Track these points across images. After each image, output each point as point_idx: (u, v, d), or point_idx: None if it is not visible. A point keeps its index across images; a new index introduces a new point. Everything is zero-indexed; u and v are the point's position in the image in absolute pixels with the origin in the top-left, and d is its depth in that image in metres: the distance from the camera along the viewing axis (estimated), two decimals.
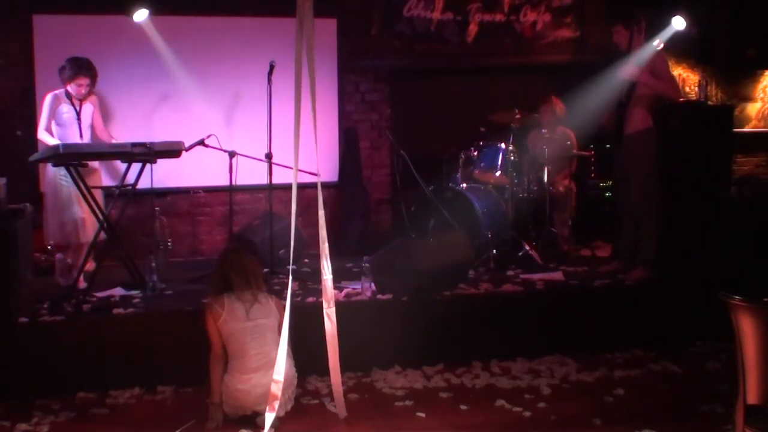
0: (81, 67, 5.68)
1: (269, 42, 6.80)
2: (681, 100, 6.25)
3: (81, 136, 5.74)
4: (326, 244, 4.00)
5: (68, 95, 5.73)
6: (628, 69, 5.60)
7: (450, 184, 6.71)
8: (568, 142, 6.95)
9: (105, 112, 6.11)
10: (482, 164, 6.73)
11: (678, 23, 6.66)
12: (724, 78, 8.23)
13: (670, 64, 6.55)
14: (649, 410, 4.21)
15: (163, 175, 6.32)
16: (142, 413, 4.28)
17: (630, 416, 4.10)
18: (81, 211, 5.59)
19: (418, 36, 7.61)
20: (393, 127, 7.48)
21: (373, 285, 5.15)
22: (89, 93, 5.81)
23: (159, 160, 5.44)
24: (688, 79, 8.11)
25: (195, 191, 7.05)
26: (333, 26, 7.36)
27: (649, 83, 5.57)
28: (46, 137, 5.66)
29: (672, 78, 6.15)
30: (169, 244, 6.15)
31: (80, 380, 4.53)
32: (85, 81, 5.70)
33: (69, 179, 5.37)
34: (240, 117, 7.08)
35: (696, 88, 7.95)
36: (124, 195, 5.59)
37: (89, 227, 5.62)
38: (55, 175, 5.60)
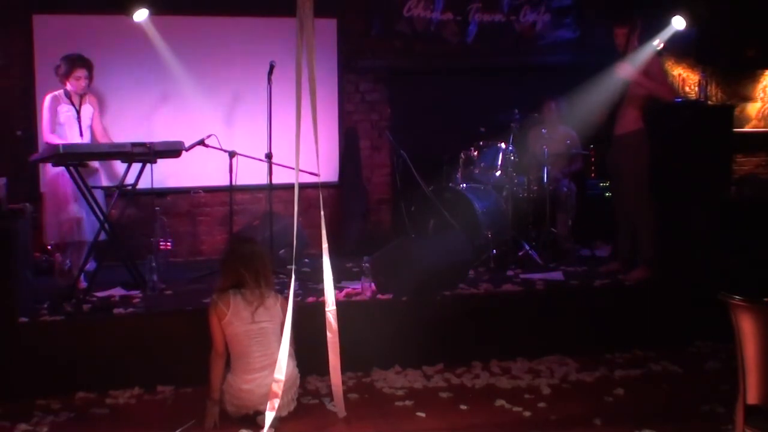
0: (75, 60, 5.67)
1: (269, 42, 6.81)
2: (677, 100, 6.24)
3: (81, 135, 5.73)
4: (327, 244, 4.00)
5: (67, 94, 5.72)
6: (624, 68, 5.62)
7: (450, 184, 6.72)
8: (568, 141, 6.96)
9: (105, 112, 6.11)
10: (482, 164, 6.74)
11: (678, 23, 6.66)
12: (724, 78, 8.23)
13: (668, 64, 6.56)
14: (649, 410, 4.21)
15: (163, 175, 6.33)
16: (142, 413, 4.27)
17: (630, 416, 4.10)
18: (80, 210, 5.59)
19: (418, 36, 7.61)
20: (393, 127, 7.48)
21: (373, 285, 5.15)
22: (89, 88, 5.79)
23: (159, 160, 5.44)
24: (688, 79, 8.12)
25: (195, 191, 7.06)
26: (333, 26, 7.37)
27: (644, 83, 5.59)
28: (56, 140, 5.58)
29: (666, 80, 6.16)
30: (169, 244, 6.15)
31: (80, 380, 4.53)
32: (82, 73, 5.69)
33: (68, 178, 5.37)
34: (240, 117, 7.08)
35: (696, 88, 7.95)
36: (124, 195, 5.59)
37: (87, 227, 5.63)
38: (54, 175, 5.60)
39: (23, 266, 4.89)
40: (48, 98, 5.72)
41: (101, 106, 6.15)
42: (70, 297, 5.08)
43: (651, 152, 5.68)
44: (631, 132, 5.70)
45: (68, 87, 5.70)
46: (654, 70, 5.68)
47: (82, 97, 5.76)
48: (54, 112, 5.68)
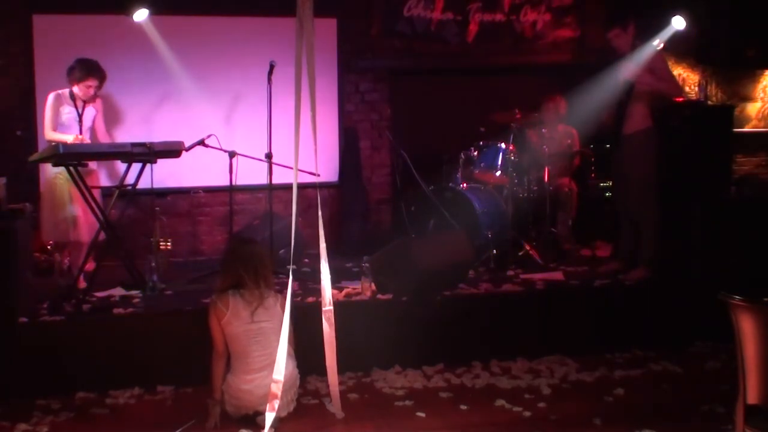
0: (91, 69, 5.67)
1: (269, 42, 6.80)
2: (681, 99, 6.25)
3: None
4: (324, 244, 4.00)
5: (72, 96, 5.72)
6: (628, 68, 5.60)
7: (450, 184, 6.71)
8: (569, 141, 6.96)
9: (105, 112, 6.10)
10: (482, 164, 6.73)
11: (678, 23, 6.65)
12: (724, 78, 8.23)
13: (669, 63, 6.54)
14: (649, 410, 4.21)
15: (163, 175, 6.31)
16: (142, 413, 4.28)
17: (630, 416, 4.10)
18: (76, 209, 5.60)
19: (418, 36, 7.61)
20: (393, 127, 7.48)
21: (373, 285, 5.15)
22: (95, 96, 5.80)
23: (159, 160, 5.43)
24: (688, 79, 8.11)
25: (195, 191, 7.06)
26: (333, 26, 7.37)
27: (650, 82, 5.58)
28: (57, 136, 5.62)
29: (671, 76, 6.15)
30: (169, 244, 6.15)
31: (80, 380, 4.53)
32: (94, 83, 5.70)
33: (65, 178, 5.37)
34: (240, 117, 7.08)
35: (696, 88, 7.95)
36: (124, 195, 5.59)
37: (84, 226, 5.63)
38: (51, 174, 5.60)
39: (23, 266, 4.89)
40: (51, 96, 5.72)
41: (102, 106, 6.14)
42: (69, 297, 5.08)
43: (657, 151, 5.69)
44: (640, 131, 5.68)
45: (75, 90, 5.70)
46: (659, 67, 5.66)
47: (86, 101, 5.76)
48: (56, 111, 5.69)
